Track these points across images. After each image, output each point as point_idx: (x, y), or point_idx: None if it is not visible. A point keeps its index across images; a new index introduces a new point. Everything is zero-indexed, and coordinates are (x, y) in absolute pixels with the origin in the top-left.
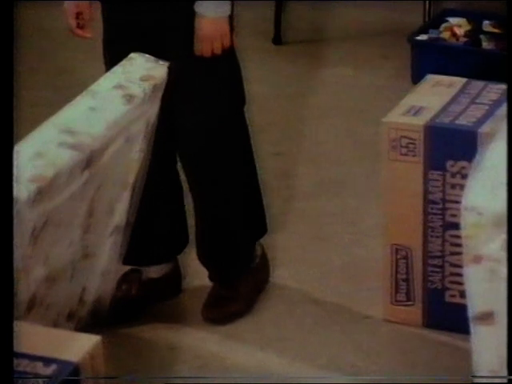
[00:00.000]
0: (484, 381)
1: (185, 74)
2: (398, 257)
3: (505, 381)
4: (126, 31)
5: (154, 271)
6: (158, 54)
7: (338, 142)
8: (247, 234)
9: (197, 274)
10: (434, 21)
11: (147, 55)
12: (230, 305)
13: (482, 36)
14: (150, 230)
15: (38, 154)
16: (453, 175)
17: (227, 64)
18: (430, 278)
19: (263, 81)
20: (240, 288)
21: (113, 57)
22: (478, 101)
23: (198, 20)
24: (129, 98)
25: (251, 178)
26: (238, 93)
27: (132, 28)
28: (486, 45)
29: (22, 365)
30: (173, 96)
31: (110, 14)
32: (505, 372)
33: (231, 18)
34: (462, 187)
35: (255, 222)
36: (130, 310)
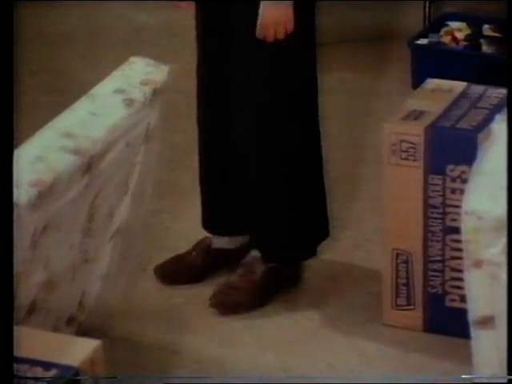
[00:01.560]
0: (484, 381)
1: (245, 57)
2: (399, 261)
3: (505, 381)
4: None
5: (225, 241)
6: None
7: (338, 146)
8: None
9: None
10: (434, 25)
11: (147, 59)
12: (237, 295)
13: (482, 40)
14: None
15: (39, 158)
16: (453, 180)
17: (290, 50)
18: (431, 283)
19: None
20: (256, 282)
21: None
22: (478, 105)
23: (262, 4)
24: (129, 102)
25: (310, 173)
26: (301, 80)
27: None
28: (486, 49)
29: (22, 369)
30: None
31: (198, 9)
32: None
33: (296, 4)
34: (462, 192)
35: (312, 220)
36: (193, 274)
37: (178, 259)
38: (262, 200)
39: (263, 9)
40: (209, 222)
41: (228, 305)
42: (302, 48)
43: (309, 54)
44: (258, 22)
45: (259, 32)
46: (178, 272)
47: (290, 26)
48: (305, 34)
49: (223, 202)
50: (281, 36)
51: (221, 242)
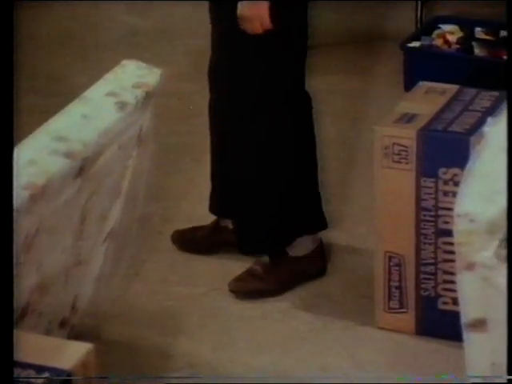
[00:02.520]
0: (483, 381)
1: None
2: (391, 264)
3: (505, 381)
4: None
5: (228, 221)
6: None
7: (331, 149)
8: (286, 216)
9: (185, 281)
10: (427, 28)
11: (139, 62)
12: (255, 282)
13: (474, 43)
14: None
15: (31, 161)
16: (445, 182)
17: (268, 45)
18: (423, 286)
19: None
20: (274, 271)
21: None
22: (470, 108)
23: (239, 4)
24: (121, 105)
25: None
26: (279, 75)
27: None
28: (478, 52)
29: (14, 373)
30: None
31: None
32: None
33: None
34: (454, 194)
35: (305, 211)
36: (202, 246)
37: (194, 230)
38: (236, 189)
39: (239, 5)
40: (210, 203)
41: (247, 291)
42: (283, 45)
43: (292, 51)
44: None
45: (240, 25)
46: (192, 241)
47: (266, 23)
48: (288, 32)
49: (219, 185)
50: (258, 31)
51: (225, 221)
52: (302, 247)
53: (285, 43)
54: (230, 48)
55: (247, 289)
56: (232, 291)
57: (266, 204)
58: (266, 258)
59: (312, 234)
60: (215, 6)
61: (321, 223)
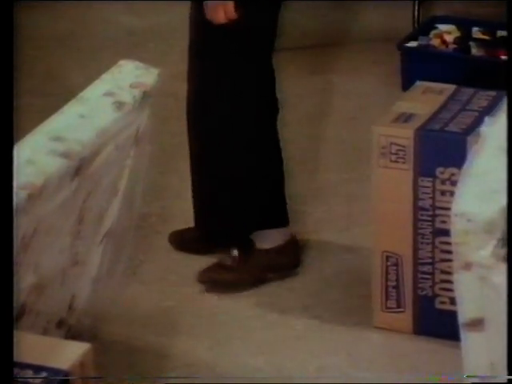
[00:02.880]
0: (480, 381)
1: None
2: (389, 264)
3: (504, 380)
4: None
5: None
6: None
7: (328, 148)
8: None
9: (183, 280)
10: (424, 28)
11: (137, 62)
12: (224, 273)
13: (471, 43)
14: None
15: (28, 161)
16: (443, 182)
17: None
18: (421, 285)
19: None
20: (243, 262)
21: None
22: (467, 108)
23: None
24: (118, 105)
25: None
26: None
27: None
28: (475, 51)
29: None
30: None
31: None
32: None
33: None
34: (451, 194)
35: (267, 206)
36: (197, 246)
37: (191, 230)
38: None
39: None
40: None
41: (215, 282)
42: (246, 36)
43: (255, 44)
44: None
45: (206, 14)
46: (189, 242)
47: (231, 12)
48: (253, 24)
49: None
50: (222, 20)
51: None
52: (269, 240)
53: (249, 39)
54: (199, 48)
55: (215, 279)
56: (200, 281)
57: (227, 195)
58: (235, 251)
59: (275, 228)
60: (192, 8)
61: (282, 219)
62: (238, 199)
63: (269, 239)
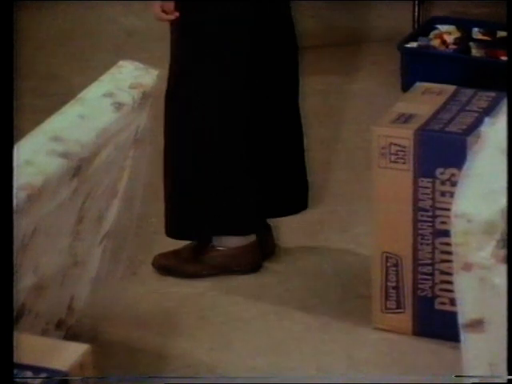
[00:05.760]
0: (480, 381)
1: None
2: (389, 264)
3: (504, 381)
4: None
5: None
6: None
7: (328, 149)
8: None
9: (183, 281)
10: (424, 28)
11: (136, 63)
12: (176, 261)
13: (471, 43)
14: None
15: (27, 162)
16: (443, 182)
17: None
18: (420, 286)
19: None
20: (197, 256)
21: None
22: (467, 108)
23: None
24: (118, 105)
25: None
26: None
27: None
28: (475, 52)
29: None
30: None
31: None
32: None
33: None
34: (451, 194)
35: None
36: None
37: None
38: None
39: None
40: None
41: (166, 267)
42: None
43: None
44: None
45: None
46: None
47: (170, 11)
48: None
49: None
50: (162, 18)
51: None
52: (227, 241)
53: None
54: (177, 48)
55: (166, 265)
56: (152, 265)
57: (198, 193)
58: (194, 244)
59: (235, 235)
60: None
61: (241, 228)
62: (194, 201)
63: (227, 240)
